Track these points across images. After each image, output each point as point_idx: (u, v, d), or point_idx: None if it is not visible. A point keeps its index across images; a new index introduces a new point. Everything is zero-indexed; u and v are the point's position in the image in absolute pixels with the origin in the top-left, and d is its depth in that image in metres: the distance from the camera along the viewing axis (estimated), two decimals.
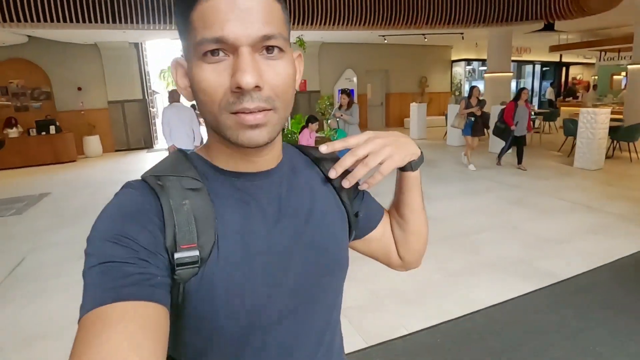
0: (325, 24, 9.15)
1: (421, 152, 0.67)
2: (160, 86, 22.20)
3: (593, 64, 16.99)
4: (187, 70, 0.53)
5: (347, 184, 0.58)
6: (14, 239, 4.35)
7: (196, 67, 0.48)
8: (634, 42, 8.15)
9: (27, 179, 7.61)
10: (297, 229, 0.58)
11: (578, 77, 19.34)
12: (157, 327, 0.41)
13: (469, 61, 15.53)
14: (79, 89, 10.12)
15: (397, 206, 0.73)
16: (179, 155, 0.57)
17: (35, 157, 9.00)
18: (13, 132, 9.08)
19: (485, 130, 7.30)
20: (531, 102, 16.63)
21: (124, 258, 0.43)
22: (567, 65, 18.22)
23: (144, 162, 9.20)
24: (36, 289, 3.21)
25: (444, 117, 11.54)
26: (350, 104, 6.23)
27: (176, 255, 0.47)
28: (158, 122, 8.59)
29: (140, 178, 0.53)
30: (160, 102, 17.41)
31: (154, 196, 0.50)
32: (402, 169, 0.66)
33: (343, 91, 6.60)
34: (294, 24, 8.59)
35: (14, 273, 3.51)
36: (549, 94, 16.11)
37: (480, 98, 7.21)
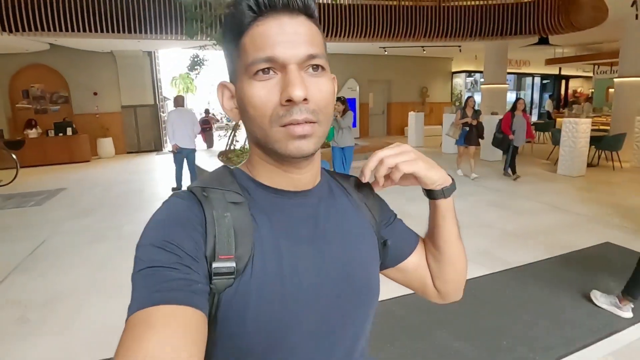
0: (327, 36, 9.63)
1: (452, 180, 0.66)
2: (171, 93, 22.90)
3: (591, 77, 17.29)
4: (234, 93, 0.56)
5: (363, 178, 0.62)
6: (34, 226, 4.83)
7: (247, 86, 0.51)
8: (619, 57, 8.48)
9: (45, 176, 8.14)
10: (331, 252, 0.58)
11: (579, 90, 19.64)
12: (196, 331, 0.42)
13: (469, 73, 15.94)
14: (95, 93, 10.71)
15: (430, 237, 0.71)
16: (224, 170, 0.60)
17: (52, 157, 9.56)
18: (33, 133, 9.66)
19: (479, 140, 7.33)
20: (530, 113, 16.99)
21: (168, 263, 0.45)
22: (567, 78, 18.52)
23: (153, 163, 9.71)
24: (54, 263, 3.66)
25: (441, 126, 11.91)
26: (344, 111, 6.33)
27: (214, 265, 0.49)
28: (169, 125, 9.17)
29: (187, 189, 0.56)
30: (171, 107, 18.04)
31: (198, 206, 0.52)
32: (433, 197, 0.66)
33: (338, 99, 6.92)
34: None
35: (36, 252, 3.96)
36: (548, 105, 16.42)
37: (476, 108, 7.38)
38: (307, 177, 0.59)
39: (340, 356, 0.59)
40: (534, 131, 10.97)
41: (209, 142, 11.89)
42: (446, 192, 0.65)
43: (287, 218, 0.57)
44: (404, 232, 0.73)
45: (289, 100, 0.49)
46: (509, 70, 16.13)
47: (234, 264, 0.50)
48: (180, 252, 0.47)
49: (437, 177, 0.62)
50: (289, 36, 0.50)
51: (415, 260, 0.73)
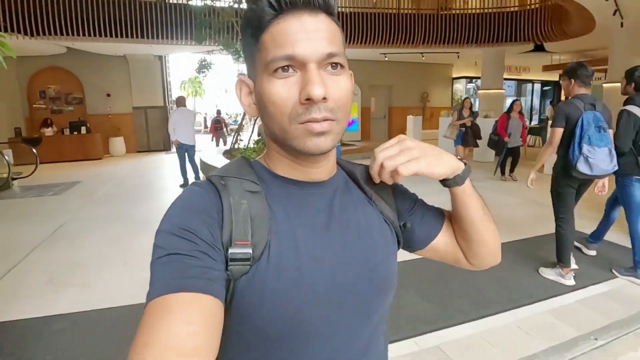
0: None
1: (465, 164, 0.65)
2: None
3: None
4: (252, 88, 0.57)
5: (376, 179, 0.61)
6: (54, 212, 5.30)
7: (267, 83, 0.52)
8: (608, 64, 8.82)
9: (61, 171, 8.66)
10: (346, 242, 0.59)
11: None
12: (212, 317, 0.44)
13: (470, 79, 16.32)
14: (108, 95, 11.27)
15: (455, 221, 0.71)
16: (242, 161, 0.61)
17: (67, 154, 10.10)
18: (49, 131, 10.21)
19: (476, 141, 7.47)
20: (531, 119, 17.31)
21: (186, 251, 0.47)
22: None
23: (162, 161, 10.21)
24: (74, 241, 4.12)
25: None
26: None
27: (230, 250, 0.50)
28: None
29: (207, 177, 0.57)
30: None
31: (216, 194, 0.53)
32: (448, 186, 0.65)
33: None
34: None
35: (57, 232, 4.43)
36: (549, 111, 16.71)
37: (473, 110, 7.55)
38: (323, 170, 0.60)
39: (360, 343, 0.60)
40: (529, 137, 11.41)
41: (222, 141, 12.53)
42: (459, 180, 0.63)
43: (303, 207, 0.58)
44: (428, 215, 0.73)
45: (308, 99, 0.49)
46: (509, 77, 16.57)
47: (250, 250, 0.50)
48: (197, 240, 0.48)
49: (444, 170, 0.60)
50: (309, 34, 0.50)
51: (444, 240, 0.73)
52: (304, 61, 0.50)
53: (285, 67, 0.50)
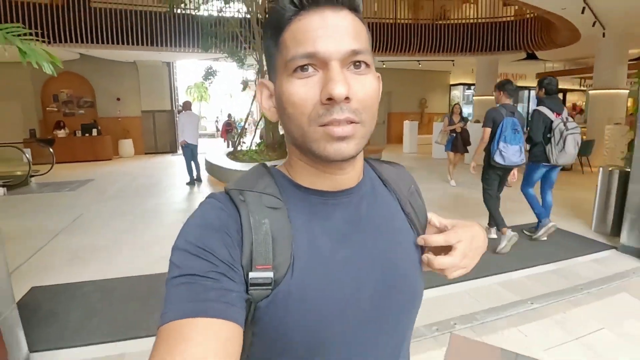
0: None
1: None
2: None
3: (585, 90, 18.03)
4: (273, 91, 0.54)
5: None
6: (71, 205, 5.84)
7: (287, 83, 0.49)
8: (593, 72, 9.29)
9: (74, 170, 9.23)
10: (376, 253, 0.57)
11: (578, 103, 20.32)
12: (229, 343, 0.42)
13: (468, 85, 16.81)
14: (118, 99, 11.88)
15: None
16: (262, 170, 0.58)
17: (79, 154, 10.69)
18: (61, 133, 10.81)
19: (465, 147, 7.55)
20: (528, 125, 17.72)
21: (203, 272, 0.45)
22: (564, 91, 19.24)
23: (169, 162, 10.77)
24: (92, 228, 4.65)
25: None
26: None
27: (251, 275, 0.48)
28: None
29: (224, 190, 0.54)
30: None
31: (235, 211, 0.51)
32: None
33: None
34: None
35: (75, 222, 4.96)
36: None
37: (463, 115, 7.76)
38: (349, 177, 0.56)
39: (385, 357, 0.59)
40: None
41: (231, 142, 13.21)
42: None
43: (328, 220, 0.55)
44: None
45: (329, 99, 0.46)
46: None
47: (271, 274, 0.48)
48: (215, 260, 0.46)
49: (474, 264, 0.62)
50: (331, 30, 0.47)
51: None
52: (326, 59, 0.47)
53: (306, 67, 0.48)
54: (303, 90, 0.48)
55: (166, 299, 0.44)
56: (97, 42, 9.08)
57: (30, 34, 2.44)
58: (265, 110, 0.56)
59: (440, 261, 0.57)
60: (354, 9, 0.51)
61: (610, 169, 4.18)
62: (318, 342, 0.51)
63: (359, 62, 0.49)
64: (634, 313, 2.73)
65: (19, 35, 2.30)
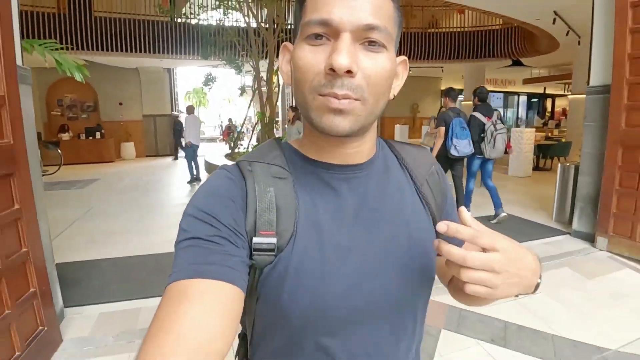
0: None
1: (537, 284, 0.51)
2: (184, 106, 24.83)
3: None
4: (292, 55, 0.53)
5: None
6: (82, 200, 6.34)
7: (298, 48, 0.49)
8: (572, 77, 9.87)
9: (79, 171, 9.72)
10: (379, 233, 0.55)
11: (567, 108, 20.97)
12: (230, 305, 0.43)
13: (459, 91, 17.40)
14: (120, 104, 12.39)
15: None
16: (272, 143, 0.59)
17: (83, 156, 11.18)
18: (65, 136, 11.31)
19: None
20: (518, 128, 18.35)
21: (208, 236, 0.47)
22: (553, 96, 19.88)
23: (170, 164, 11.29)
24: (104, 218, 5.15)
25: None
26: (294, 119, 6.70)
27: (254, 240, 0.49)
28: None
29: (235, 162, 0.56)
30: (184, 118, 20.06)
31: (242, 180, 0.52)
32: None
33: (291, 107, 7.27)
34: None
35: (88, 213, 5.47)
36: (536, 122, 17.79)
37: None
38: (357, 152, 0.56)
39: (393, 345, 0.57)
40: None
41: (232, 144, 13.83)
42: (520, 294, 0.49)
43: (333, 194, 0.55)
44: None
45: (332, 69, 0.45)
46: (497, 89, 17.66)
47: (274, 240, 0.50)
48: (219, 225, 0.47)
49: (515, 291, 0.48)
50: (350, 2, 0.46)
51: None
52: (338, 29, 0.45)
53: (319, 36, 0.47)
54: (310, 56, 0.47)
55: (174, 261, 0.47)
56: (101, 50, 9.60)
57: (62, 48, 2.95)
58: (284, 73, 0.56)
59: (449, 249, 0.43)
60: None
61: (567, 164, 4.70)
62: (314, 320, 0.51)
63: (374, 41, 0.47)
64: (570, 283, 3.23)
65: (55, 49, 2.82)
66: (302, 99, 0.50)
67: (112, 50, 9.69)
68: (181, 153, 11.06)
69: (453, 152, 4.54)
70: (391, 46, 0.50)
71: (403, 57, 0.56)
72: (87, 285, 3.07)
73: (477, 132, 4.68)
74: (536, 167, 8.92)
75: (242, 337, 0.63)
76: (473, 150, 4.61)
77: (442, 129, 4.64)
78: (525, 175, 8.23)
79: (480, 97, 4.79)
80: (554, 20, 7.21)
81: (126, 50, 9.85)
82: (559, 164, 4.81)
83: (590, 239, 3.97)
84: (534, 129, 8.61)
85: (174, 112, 12.30)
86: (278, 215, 0.51)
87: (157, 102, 12.83)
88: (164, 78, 12.92)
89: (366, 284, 0.53)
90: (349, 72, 0.45)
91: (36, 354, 2.04)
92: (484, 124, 4.64)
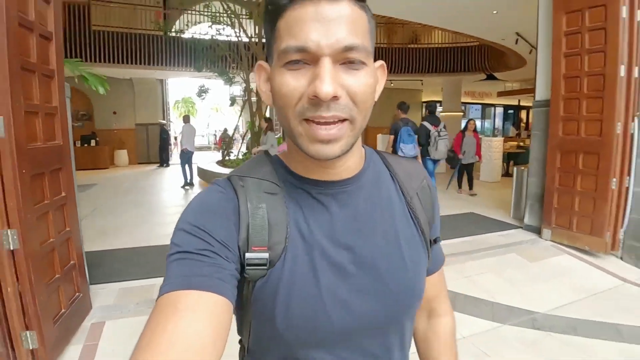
0: None
1: None
2: (173, 115, 25.21)
3: None
4: (269, 75, 0.53)
5: None
6: (85, 201, 6.74)
7: (277, 73, 0.49)
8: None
9: (77, 176, 10.08)
10: (370, 245, 0.56)
11: None
12: (220, 317, 0.44)
13: (440, 102, 18.26)
14: (114, 113, 12.81)
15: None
16: (263, 159, 0.59)
17: (79, 163, 11.40)
18: None
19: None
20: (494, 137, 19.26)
21: (199, 250, 0.47)
22: (527, 108, 20.91)
23: (162, 170, 11.73)
24: (109, 216, 5.62)
25: None
26: (267, 129, 7.02)
27: (247, 255, 0.50)
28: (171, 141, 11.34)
29: (227, 177, 0.56)
30: (173, 128, 20.47)
31: (234, 195, 0.53)
32: None
33: (265, 118, 7.59)
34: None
35: (93, 212, 5.95)
36: (512, 132, 18.72)
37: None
38: (343, 169, 0.56)
39: (382, 352, 0.58)
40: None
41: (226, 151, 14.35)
42: None
43: (322, 210, 0.55)
44: (438, 251, 0.71)
45: (315, 96, 0.45)
46: (475, 101, 18.57)
47: (266, 255, 0.50)
48: (211, 240, 0.48)
49: None
50: (325, 23, 0.45)
51: (433, 282, 0.72)
52: (317, 54, 0.45)
53: (297, 61, 0.47)
54: (292, 82, 0.47)
55: (166, 274, 0.47)
56: (98, 61, 10.06)
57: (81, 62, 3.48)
58: (262, 92, 0.56)
59: None
60: None
61: (522, 168, 5.37)
62: (305, 337, 0.52)
63: (354, 58, 0.47)
64: (515, 265, 3.84)
65: (80, 67, 3.34)
66: (287, 124, 0.50)
67: (108, 61, 10.16)
68: (174, 160, 11.51)
69: (400, 154, 5.30)
70: (370, 60, 0.49)
71: (380, 62, 0.56)
72: (106, 267, 3.56)
73: (424, 138, 5.85)
74: (506, 174, 9.64)
75: (241, 348, 0.64)
76: (417, 153, 5.49)
77: (392, 137, 5.50)
78: (495, 180, 8.92)
79: (430, 109, 6.14)
80: (517, 40, 7.97)
81: (122, 62, 10.34)
82: (515, 168, 5.48)
83: (538, 231, 4.60)
84: (502, 138, 9.35)
85: (160, 121, 12.69)
86: (270, 230, 0.51)
87: (150, 111, 13.29)
88: (156, 88, 13.40)
89: (357, 299, 0.54)
90: (335, 97, 0.45)
91: (74, 314, 2.54)
92: (430, 131, 5.85)
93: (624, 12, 3.69)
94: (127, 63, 10.39)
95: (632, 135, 3.81)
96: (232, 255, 0.49)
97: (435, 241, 0.67)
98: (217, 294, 0.45)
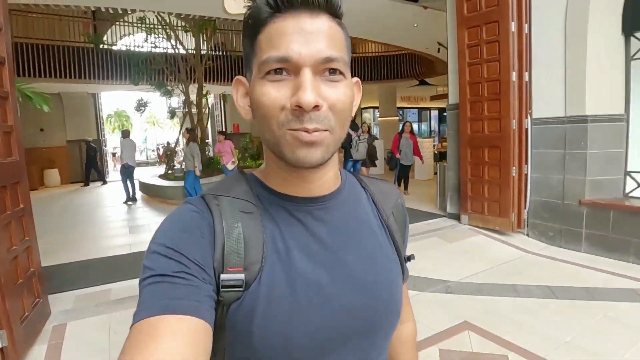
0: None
1: None
2: (107, 129, 24.40)
3: None
4: (248, 90, 0.55)
5: None
6: None
7: (259, 85, 0.50)
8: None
9: None
10: (347, 267, 0.57)
11: None
12: (200, 340, 0.43)
13: (377, 108, 19.43)
14: (41, 130, 12.36)
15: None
16: (238, 177, 0.60)
17: None
18: None
19: (374, 161, 8.16)
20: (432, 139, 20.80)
21: (174, 272, 0.46)
22: None
23: (99, 188, 11.53)
24: (52, 234, 5.66)
25: None
26: (189, 141, 7.10)
27: (222, 277, 0.50)
28: (108, 158, 11.12)
29: (200, 195, 0.56)
30: (109, 143, 19.92)
31: (209, 214, 0.53)
32: None
33: (187, 129, 7.71)
34: (221, 81, 11.61)
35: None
36: (447, 133, 20.28)
37: (372, 133, 8.92)
38: (321, 183, 0.58)
39: None
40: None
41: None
42: None
43: (300, 227, 0.56)
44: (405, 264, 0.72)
45: (298, 106, 0.48)
46: (411, 105, 19.95)
47: (242, 276, 0.50)
48: (186, 261, 0.47)
49: None
50: (306, 36, 0.48)
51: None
52: (298, 64, 0.48)
53: (279, 70, 0.49)
54: (274, 93, 0.49)
55: (139, 299, 0.46)
56: (19, 75, 9.72)
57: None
58: (241, 108, 0.57)
59: None
60: (333, 13, 0.52)
61: (444, 164, 6.20)
62: (281, 357, 0.52)
63: (334, 69, 0.50)
64: (436, 246, 4.55)
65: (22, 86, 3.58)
66: (271, 134, 0.51)
67: (31, 75, 9.89)
68: (113, 177, 11.35)
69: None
70: (348, 73, 0.53)
71: (356, 79, 0.59)
72: (59, 280, 3.77)
73: (347, 141, 6.71)
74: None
75: None
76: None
77: None
78: (428, 178, 9.91)
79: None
80: (439, 49, 9.00)
81: (47, 76, 10.11)
82: (437, 164, 6.31)
83: (458, 217, 5.40)
84: (432, 139, 10.39)
85: (86, 137, 12.30)
86: (246, 250, 0.51)
87: (82, 127, 12.96)
88: (88, 103, 13.13)
89: (337, 316, 0.54)
90: (316, 106, 0.48)
91: (37, 317, 2.80)
92: (352, 136, 7.01)
93: (513, 27, 4.56)
94: (54, 77, 10.19)
95: (526, 130, 4.69)
96: (208, 276, 0.49)
97: (409, 259, 0.70)
98: (196, 317, 0.45)
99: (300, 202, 0.57)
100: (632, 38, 4.12)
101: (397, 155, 7.76)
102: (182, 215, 0.53)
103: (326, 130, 0.50)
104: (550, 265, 3.99)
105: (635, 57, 4.14)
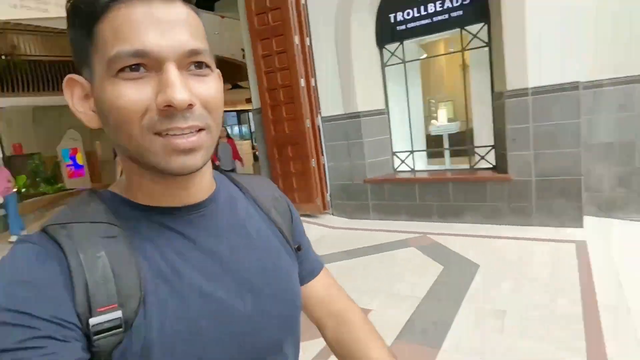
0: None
1: None
2: None
3: None
4: (89, 91, 0.48)
5: None
6: None
7: (110, 85, 0.43)
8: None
9: None
10: (244, 267, 0.55)
11: None
12: None
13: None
14: None
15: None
16: (90, 196, 0.51)
17: None
18: None
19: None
20: (254, 141, 21.66)
21: (19, 342, 0.37)
22: None
23: None
24: None
25: None
26: None
27: (92, 322, 0.42)
28: None
29: (40, 229, 0.46)
30: None
31: (58, 250, 0.43)
32: None
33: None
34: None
35: None
36: None
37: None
38: (197, 190, 0.54)
39: None
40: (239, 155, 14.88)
41: None
42: None
43: (181, 240, 0.51)
44: (312, 254, 0.74)
45: (168, 106, 0.42)
46: (231, 109, 20.43)
47: (119, 314, 0.43)
48: (34, 322, 0.39)
49: None
50: (163, 25, 0.43)
51: (318, 289, 0.73)
52: (159, 59, 0.43)
53: (135, 66, 0.43)
54: (132, 93, 0.43)
55: None
56: None
57: None
58: (81, 114, 0.49)
59: None
60: (187, 0, 0.47)
61: (258, 163, 6.87)
62: None
63: (200, 62, 0.46)
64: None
65: None
66: (133, 143, 0.45)
67: None
68: None
69: None
70: (214, 65, 0.49)
71: (217, 70, 0.52)
72: None
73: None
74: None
75: None
76: None
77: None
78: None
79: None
80: (243, 55, 9.70)
81: None
82: (256, 164, 6.96)
83: None
84: (251, 141, 11.11)
85: None
86: (117, 282, 0.44)
87: None
88: None
89: (243, 327, 0.52)
90: (189, 105, 0.43)
91: None
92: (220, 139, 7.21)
93: (297, 39, 5.43)
94: None
95: (319, 127, 5.66)
96: (71, 332, 0.41)
97: (300, 248, 0.68)
98: None
99: (176, 213, 0.52)
100: (383, 49, 5.44)
101: (217, 163, 7.72)
102: (18, 259, 0.44)
103: (203, 128, 0.46)
104: (351, 234, 5.03)
105: (387, 64, 5.47)
